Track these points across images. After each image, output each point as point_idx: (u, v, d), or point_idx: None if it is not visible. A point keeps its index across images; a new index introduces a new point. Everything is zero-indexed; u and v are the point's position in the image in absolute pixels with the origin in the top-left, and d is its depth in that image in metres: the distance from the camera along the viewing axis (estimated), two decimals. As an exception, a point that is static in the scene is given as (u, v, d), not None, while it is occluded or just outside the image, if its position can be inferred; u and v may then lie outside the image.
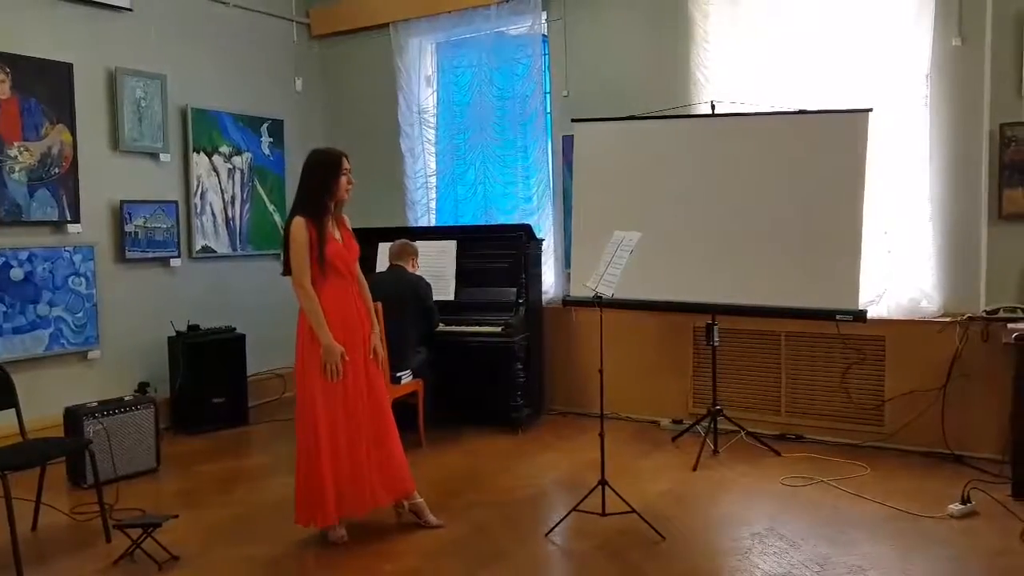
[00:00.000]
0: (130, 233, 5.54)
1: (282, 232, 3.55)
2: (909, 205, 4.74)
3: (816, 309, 4.51)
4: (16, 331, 4.90)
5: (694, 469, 4.51)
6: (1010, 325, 4.11)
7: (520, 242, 5.52)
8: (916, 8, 4.63)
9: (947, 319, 4.61)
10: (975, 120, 4.54)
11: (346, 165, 3.60)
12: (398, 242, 5.23)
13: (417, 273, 5.18)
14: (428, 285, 5.15)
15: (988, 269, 4.52)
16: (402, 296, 4.92)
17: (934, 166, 4.68)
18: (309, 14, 6.92)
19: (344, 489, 3.54)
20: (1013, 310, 4.31)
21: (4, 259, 4.86)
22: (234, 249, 6.28)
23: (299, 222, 3.50)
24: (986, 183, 4.51)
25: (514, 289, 5.51)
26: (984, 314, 4.41)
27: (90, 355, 5.31)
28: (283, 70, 6.76)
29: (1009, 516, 3.69)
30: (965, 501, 3.75)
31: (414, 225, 6.52)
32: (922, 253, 4.72)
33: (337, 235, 3.63)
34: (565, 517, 3.73)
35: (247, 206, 6.37)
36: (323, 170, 3.57)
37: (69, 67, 5.17)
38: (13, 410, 3.80)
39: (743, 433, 4.95)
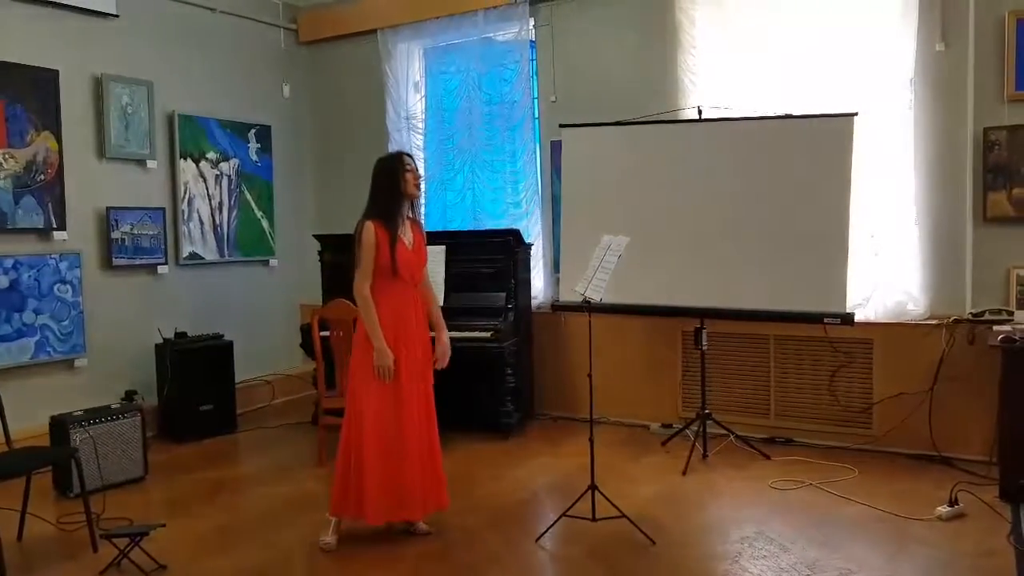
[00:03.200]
0: (117, 240, 5.50)
1: (354, 233, 3.63)
2: (895, 208, 4.78)
3: (804, 312, 4.52)
4: (2, 339, 4.86)
5: (684, 473, 4.52)
6: (996, 327, 4.14)
7: (509, 247, 5.52)
8: (900, 13, 4.67)
9: (933, 322, 4.63)
10: (959, 124, 4.58)
11: (408, 163, 3.67)
12: None
13: None
14: None
15: (973, 271, 4.56)
16: None
17: (919, 170, 4.71)
18: (297, 20, 6.91)
19: (392, 492, 3.54)
20: (998, 312, 4.35)
21: (-11, 267, 4.83)
22: (222, 255, 6.25)
23: (368, 226, 3.55)
24: (971, 186, 4.55)
25: (503, 294, 5.51)
26: (970, 316, 4.44)
27: (76, 363, 5.27)
28: (271, 76, 6.74)
29: (996, 518, 3.71)
30: (953, 503, 3.77)
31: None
32: (908, 256, 4.76)
33: (408, 238, 3.65)
34: (555, 522, 3.73)
35: (234, 212, 6.35)
36: (387, 171, 3.64)
37: (55, 74, 5.14)
38: (-2, 419, 3.77)
39: (732, 437, 4.96)
